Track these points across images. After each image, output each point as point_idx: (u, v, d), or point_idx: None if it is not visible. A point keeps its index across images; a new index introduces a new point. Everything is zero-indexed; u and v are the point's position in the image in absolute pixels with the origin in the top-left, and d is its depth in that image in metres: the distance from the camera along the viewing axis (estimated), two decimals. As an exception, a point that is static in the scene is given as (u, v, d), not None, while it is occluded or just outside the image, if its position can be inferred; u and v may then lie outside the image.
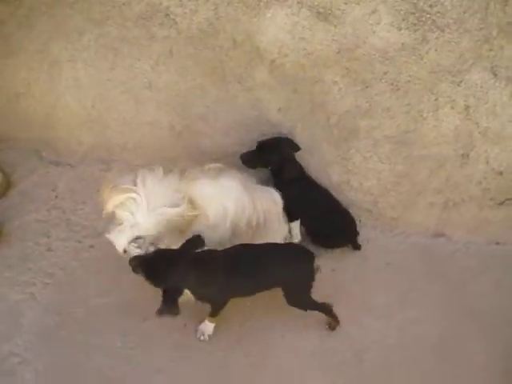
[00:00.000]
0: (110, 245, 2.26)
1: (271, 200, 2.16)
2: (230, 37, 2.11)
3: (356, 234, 2.42)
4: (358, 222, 2.50)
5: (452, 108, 2.18)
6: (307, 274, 2.02)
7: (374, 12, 2.00)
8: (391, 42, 2.05)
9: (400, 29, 2.03)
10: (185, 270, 1.83)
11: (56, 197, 2.40)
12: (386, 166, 2.36)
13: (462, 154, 2.29)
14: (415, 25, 2.01)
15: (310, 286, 2.04)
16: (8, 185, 2.37)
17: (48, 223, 2.32)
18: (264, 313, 2.16)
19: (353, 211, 2.48)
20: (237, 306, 2.13)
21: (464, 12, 1.97)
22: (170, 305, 1.77)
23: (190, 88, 2.25)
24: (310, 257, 2.01)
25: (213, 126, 2.33)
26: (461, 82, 2.12)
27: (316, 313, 2.12)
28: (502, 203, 2.40)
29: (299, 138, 2.31)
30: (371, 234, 2.52)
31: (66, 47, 2.21)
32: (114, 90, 2.29)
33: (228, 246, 2.00)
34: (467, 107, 2.17)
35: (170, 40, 2.14)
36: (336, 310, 2.21)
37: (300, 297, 2.06)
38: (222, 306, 2.04)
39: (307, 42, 2.09)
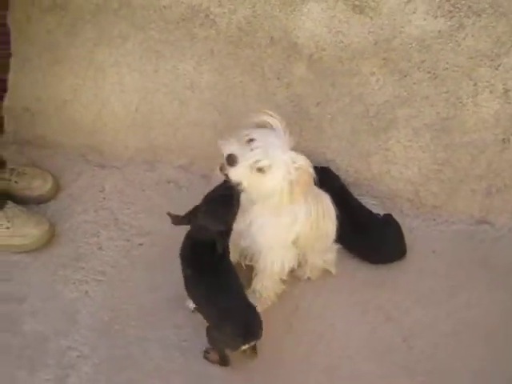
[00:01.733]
0: (159, 242, 2.37)
1: (326, 199, 2.15)
2: (267, 34, 2.17)
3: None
4: (400, 212, 2.53)
5: (491, 92, 2.19)
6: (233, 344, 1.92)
7: (409, 1, 2.04)
8: (427, 30, 2.09)
9: (436, 17, 2.06)
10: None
11: (104, 198, 2.47)
12: (427, 155, 2.37)
13: (503, 139, 2.30)
14: (451, 12, 2.04)
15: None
16: (57, 188, 2.45)
17: (97, 223, 2.39)
18: (313, 301, 2.20)
19: (395, 201, 2.51)
20: (284, 299, 2.19)
21: (499, -5, 2.00)
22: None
23: (231, 86, 2.31)
24: (254, 336, 1.88)
25: (253, 124, 2.38)
26: (499, 65, 2.13)
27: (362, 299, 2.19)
28: (546, 187, 2.39)
29: (338, 131, 2.35)
30: (414, 223, 2.52)
31: (110, 53, 2.30)
32: (158, 92, 2.37)
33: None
34: (506, 91, 2.18)
35: (210, 40, 2.21)
36: (384, 298, 2.25)
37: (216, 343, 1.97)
38: None
39: (344, 35, 2.13)
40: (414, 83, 2.20)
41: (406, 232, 2.47)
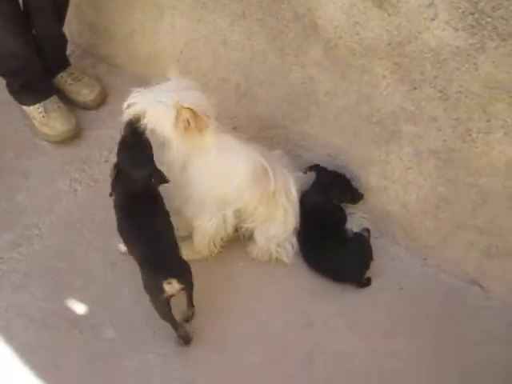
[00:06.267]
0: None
1: (290, 181, 2.19)
2: (292, 8, 2.13)
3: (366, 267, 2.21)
4: (392, 238, 2.33)
5: (506, 135, 1.86)
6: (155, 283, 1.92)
7: (430, 5, 1.82)
8: (445, 42, 1.85)
9: (457, 29, 1.81)
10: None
11: (133, 123, 2.73)
12: (428, 183, 2.12)
13: (514, 195, 1.95)
14: (473, 27, 1.77)
15: None
16: (101, 102, 2.78)
17: (116, 141, 2.65)
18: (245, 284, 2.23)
19: (387, 224, 2.31)
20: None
21: (533, 22, 1.68)
22: None
23: (255, 52, 2.33)
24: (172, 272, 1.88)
25: (269, 95, 2.38)
26: (520, 105, 1.81)
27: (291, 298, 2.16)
28: (556, 270, 1.97)
29: (341, 127, 2.23)
30: (401, 254, 2.30)
31: (169, -6, 2.51)
32: (198, 41, 2.50)
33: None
34: (525, 138, 1.84)
35: (243, 2, 2.26)
36: (314, 306, 2.15)
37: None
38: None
39: (361, 26, 2.00)
40: (423, 99, 1.97)
41: (388, 260, 2.28)
